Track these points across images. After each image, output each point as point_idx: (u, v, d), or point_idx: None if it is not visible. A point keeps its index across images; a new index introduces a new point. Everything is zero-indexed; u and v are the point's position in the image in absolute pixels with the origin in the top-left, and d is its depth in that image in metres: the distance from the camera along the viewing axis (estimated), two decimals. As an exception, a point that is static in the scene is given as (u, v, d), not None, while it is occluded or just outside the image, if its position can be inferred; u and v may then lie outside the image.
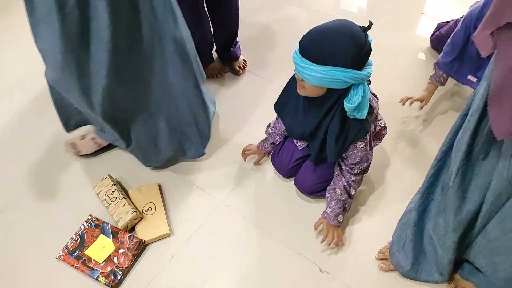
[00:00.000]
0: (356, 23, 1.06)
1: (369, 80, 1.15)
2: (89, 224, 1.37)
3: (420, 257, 1.22)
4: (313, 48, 1.03)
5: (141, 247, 1.33)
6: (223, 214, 1.43)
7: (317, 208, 1.43)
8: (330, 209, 1.30)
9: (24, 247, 1.36)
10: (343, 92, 1.10)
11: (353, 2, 2.37)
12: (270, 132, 1.46)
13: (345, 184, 1.29)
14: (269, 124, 1.48)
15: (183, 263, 1.32)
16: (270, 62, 1.98)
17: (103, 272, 1.26)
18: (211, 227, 1.40)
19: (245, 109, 1.77)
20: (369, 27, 1.05)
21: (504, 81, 0.78)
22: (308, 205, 1.45)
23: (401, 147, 1.62)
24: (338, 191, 1.29)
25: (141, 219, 1.39)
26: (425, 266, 1.22)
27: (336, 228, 1.31)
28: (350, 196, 1.31)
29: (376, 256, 1.31)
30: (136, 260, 1.31)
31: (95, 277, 1.25)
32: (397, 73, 1.90)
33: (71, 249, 1.31)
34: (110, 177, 1.48)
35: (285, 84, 1.27)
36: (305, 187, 1.42)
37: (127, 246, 1.31)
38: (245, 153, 1.54)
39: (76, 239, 1.33)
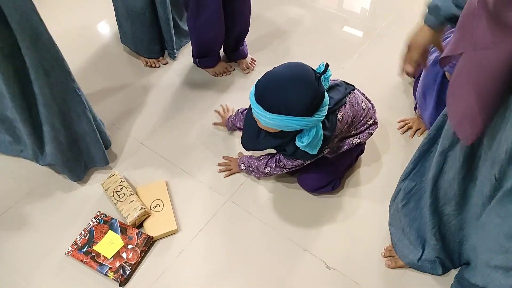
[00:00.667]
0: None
1: (352, 86, 1.24)
2: (97, 220, 1.38)
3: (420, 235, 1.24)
4: (267, 97, 1.07)
5: (149, 243, 1.34)
6: (230, 211, 1.44)
7: (323, 203, 1.45)
8: (247, 159, 1.46)
9: (33, 242, 1.37)
10: (297, 132, 1.15)
11: (357, 1, 2.38)
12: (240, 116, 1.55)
13: (264, 162, 1.39)
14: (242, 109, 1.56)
15: (190, 259, 1.33)
16: (276, 60, 1.99)
17: (112, 268, 1.27)
18: (219, 224, 1.41)
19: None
20: (324, 71, 1.08)
21: (452, 86, 0.84)
22: (314, 202, 1.46)
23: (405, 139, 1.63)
24: (262, 160, 1.40)
25: (149, 216, 1.40)
26: (427, 249, 1.23)
27: (235, 167, 1.50)
28: (260, 171, 1.42)
29: (382, 253, 1.32)
30: (144, 256, 1.33)
31: (104, 272, 1.27)
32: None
33: (80, 244, 1.32)
34: (118, 174, 1.49)
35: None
36: (308, 185, 1.44)
37: (136, 242, 1.32)
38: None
39: (85, 235, 1.35)
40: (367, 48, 2.04)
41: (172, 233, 1.38)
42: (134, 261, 1.29)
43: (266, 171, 1.40)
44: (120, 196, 1.42)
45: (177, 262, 1.32)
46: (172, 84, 1.89)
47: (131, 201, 1.40)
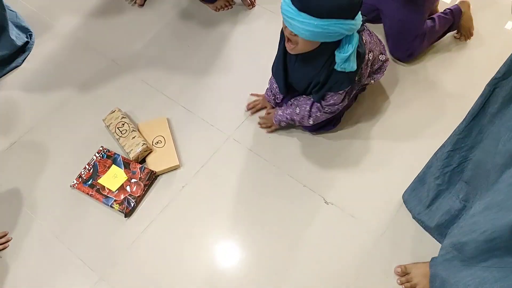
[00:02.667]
0: None
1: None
2: (100, 155, 1.40)
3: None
4: (313, 1, 0.98)
5: (152, 177, 1.37)
6: (232, 148, 1.46)
7: (323, 141, 1.46)
8: (282, 113, 1.38)
9: (39, 176, 1.40)
10: (335, 45, 1.09)
11: None
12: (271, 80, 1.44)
13: (307, 114, 1.31)
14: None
15: (193, 193, 1.37)
16: None
17: (117, 200, 1.31)
18: (221, 160, 1.43)
19: (258, 44, 1.73)
20: None
21: None
22: (315, 140, 1.47)
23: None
24: (298, 110, 1.33)
25: (151, 152, 1.42)
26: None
27: (272, 124, 1.43)
28: (302, 123, 1.37)
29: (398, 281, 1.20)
30: (148, 190, 1.36)
31: (110, 204, 1.31)
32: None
33: (84, 178, 1.35)
34: (119, 110, 1.49)
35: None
36: (309, 125, 1.43)
37: (139, 176, 1.35)
38: (252, 108, 1.52)
39: (89, 168, 1.37)
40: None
41: (174, 168, 1.41)
42: (138, 194, 1.33)
43: (310, 122, 1.34)
44: (122, 132, 1.43)
45: (180, 196, 1.36)
46: (171, 20, 1.82)
47: (133, 137, 1.41)
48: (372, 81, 1.39)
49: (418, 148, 1.42)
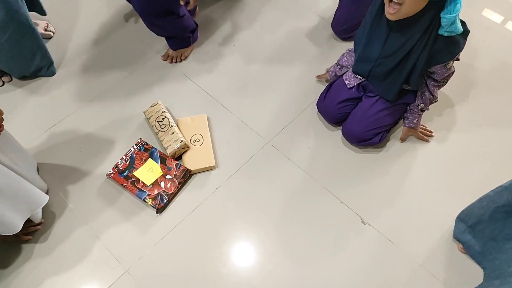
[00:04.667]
0: None
1: None
2: (138, 147, 1.39)
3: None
4: None
5: (187, 175, 1.35)
6: (270, 155, 1.42)
7: (365, 158, 1.40)
8: (416, 119, 1.38)
9: (76, 161, 1.41)
10: (438, 8, 1.04)
11: None
12: (339, 59, 1.46)
13: (430, 97, 1.31)
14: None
15: (226, 196, 1.34)
16: None
17: (150, 194, 1.30)
18: (257, 165, 1.40)
19: (305, 53, 1.69)
20: None
21: None
22: (356, 155, 1.41)
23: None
24: (422, 105, 1.33)
25: (189, 149, 1.40)
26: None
27: (409, 131, 1.42)
28: (431, 103, 1.34)
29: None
30: (181, 188, 1.34)
31: (143, 198, 1.29)
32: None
33: (121, 168, 1.35)
34: (161, 103, 1.48)
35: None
36: (355, 134, 1.37)
37: (174, 173, 1.33)
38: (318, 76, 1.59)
39: (126, 160, 1.36)
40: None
41: (210, 168, 1.38)
42: (172, 191, 1.31)
43: (436, 99, 1.33)
44: (162, 126, 1.42)
45: (212, 197, 1.34)
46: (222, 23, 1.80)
47: (172, 132, 1.39)
48: (435, 85, 1.29)
49: (473, 176, 1.34)
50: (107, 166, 1.38)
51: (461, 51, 1.14)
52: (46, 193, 1.31)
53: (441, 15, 1.04)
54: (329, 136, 1.46)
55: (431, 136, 1.45)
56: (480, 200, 1.11)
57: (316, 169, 1.38)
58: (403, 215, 1.29)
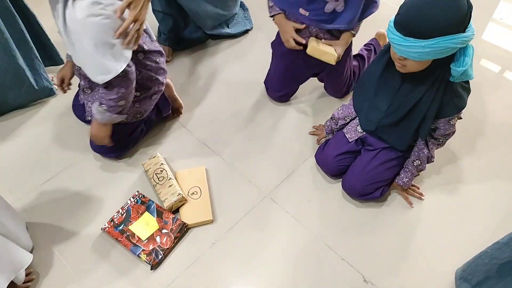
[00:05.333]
0: None
1: None
2: (135, 200, 1.38)
3: None
4: (417, 23, 0.97)
5: (184, 230, 1.32)
6: (268, 208, 1.40)
7: (366, 213, 1.37)
8: (407, 179, 1.34)
9: (72, 214, 1.39)
10: (449, 58, 1.04)
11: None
12: (334, 113, 1.45)
13: (428, 155, 1.29)
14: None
15: (223, 251, 1.30)
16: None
17: (145, 250, 1.27)
18: (255, 219, 1.37)
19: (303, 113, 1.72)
20: None
21: None
22: (357, 210, 1.38)
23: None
24: (418, 162, 1.31)
25: (186, 202, 1.38)
26: None
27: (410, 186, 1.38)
28: (428, 162, 1.33)
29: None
30: (177, 243, 1.31)
31: (137, 253, 1.26)
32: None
33: (116, 222, 1.33)
34: (160, 156, 1.48)
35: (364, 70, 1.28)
36: (355, 188, 1.36)
37: (170, 227, 1.31)
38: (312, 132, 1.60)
39: (122, 213, 1.35)
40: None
41: (207, 222, 1.36)
42: (167, 246, 1.27)
43: (433, 159, 1.31)
44: (160, 179, 1.41)
45: (209, 253, 1.30)
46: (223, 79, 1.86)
47: (170, 185, 1.38)
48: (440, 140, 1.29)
49: (481, 231, 1.30)
50: (104, 219, 1.36)
51: (464, 107, 1.15)
52: (31, 251, 1.27)
53: (452, 67, 1.05)
54: (329, 189, 1.44)
55: (420, 199, 1.40)
56: (480, 257, 1.07)
57: (316, 224, 1.35)
58: (407, 273, 1.24)
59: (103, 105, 1.27)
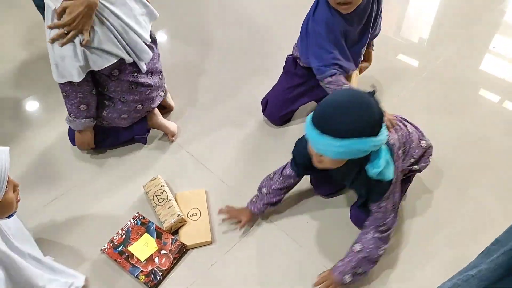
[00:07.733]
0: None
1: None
2: (135, 221, 1.39)
3: None
4: (333, 123, 1.01)
5: (183, 251, 1.32)
6: (268, 230, 1.40)
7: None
8: (348, 275, 1.17)
9: (73, 236, 1.40)
10: (364, 159, 1.08)
11: (415, 29, 2.31)
12: (263, 189, 1.36)
13: (373, 246, 1.18)
14: (262, 181, 1.39)
15: (222, 273, 1.30)
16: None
17: (143, 271, 1.27)
18: (254, 241, 1.38)
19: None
20: (373, 92, 1.03)
21: None
22: (356, 231, 1.38)
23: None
24: (357, 247, 1.19)
25: (185, 223, 1.39)
26: None
27: (337, 286, 1.18)
28: (370, 259, 1.18)
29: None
30: (176, 264, 1.31)
31: (136, 274, 1.26)
32: (450, 104, 1.81)
33: (116, 243, 1.33)
34: (160, 177, 1.51)
35: (293, 148, 1.30)
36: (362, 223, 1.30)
37: (169, 248, 1.31)
38: (226, 216, 1.40)
39: (122, 234, 1.36)
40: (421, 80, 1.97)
41: (206, 244, 1.36)
42: (166, 267, 1.28)
43: (380, 253, 1.19)
44: (160, 200, 1.43)
45: (207, 274, 1.30)
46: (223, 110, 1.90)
47: (170, 207, 1.40)
48: (418, 168, 1.33)
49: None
50: (103, 240, 1.36)
51: (387, 192, 1.15)
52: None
53: (367, 168, 1.09)
54: (327, 210, 1.45)
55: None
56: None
57: (316, 246, 1.36)
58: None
59: (71, 114, 1.44)
